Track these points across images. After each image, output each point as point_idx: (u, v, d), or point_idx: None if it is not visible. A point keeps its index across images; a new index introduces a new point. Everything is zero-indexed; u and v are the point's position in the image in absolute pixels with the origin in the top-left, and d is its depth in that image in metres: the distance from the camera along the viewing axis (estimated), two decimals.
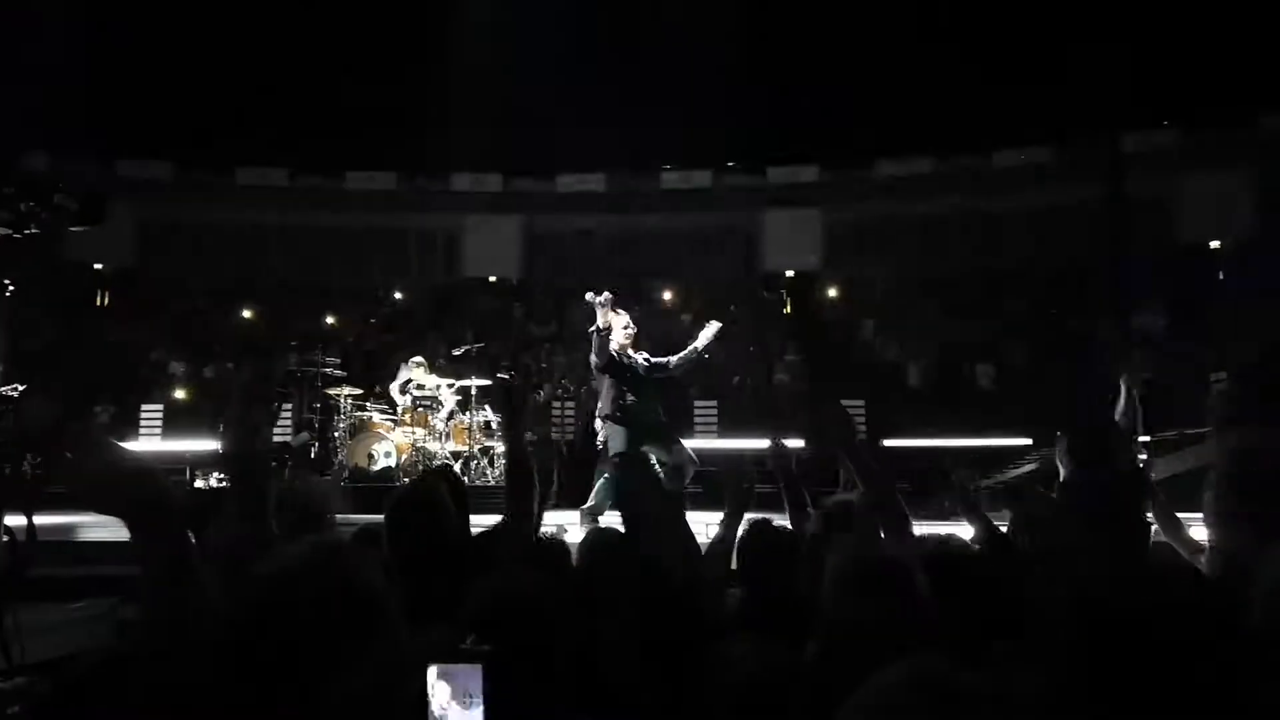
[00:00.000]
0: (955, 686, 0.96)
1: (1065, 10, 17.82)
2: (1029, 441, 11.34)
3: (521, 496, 2.93)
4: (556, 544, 3.01)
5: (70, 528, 6.93)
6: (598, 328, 7.15)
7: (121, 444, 1.44)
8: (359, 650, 1.13)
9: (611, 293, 7.40)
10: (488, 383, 10.50)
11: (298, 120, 22.11)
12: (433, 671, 1.17)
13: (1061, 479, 3.48)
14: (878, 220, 23.98)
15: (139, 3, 20.14)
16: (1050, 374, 15.66)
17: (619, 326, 7.33)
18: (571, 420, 11.90)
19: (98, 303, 21.50)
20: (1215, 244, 20.30)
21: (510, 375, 12.84)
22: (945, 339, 18.73)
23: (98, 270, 22.30)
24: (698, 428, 12.68)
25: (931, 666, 0.99)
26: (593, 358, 7.30)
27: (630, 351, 7.38)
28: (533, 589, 1.98)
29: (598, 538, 2.96)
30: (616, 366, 7.23)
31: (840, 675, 1.68)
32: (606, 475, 7.25)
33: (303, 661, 1.10)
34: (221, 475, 10.04)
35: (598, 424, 7.50)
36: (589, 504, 7.22)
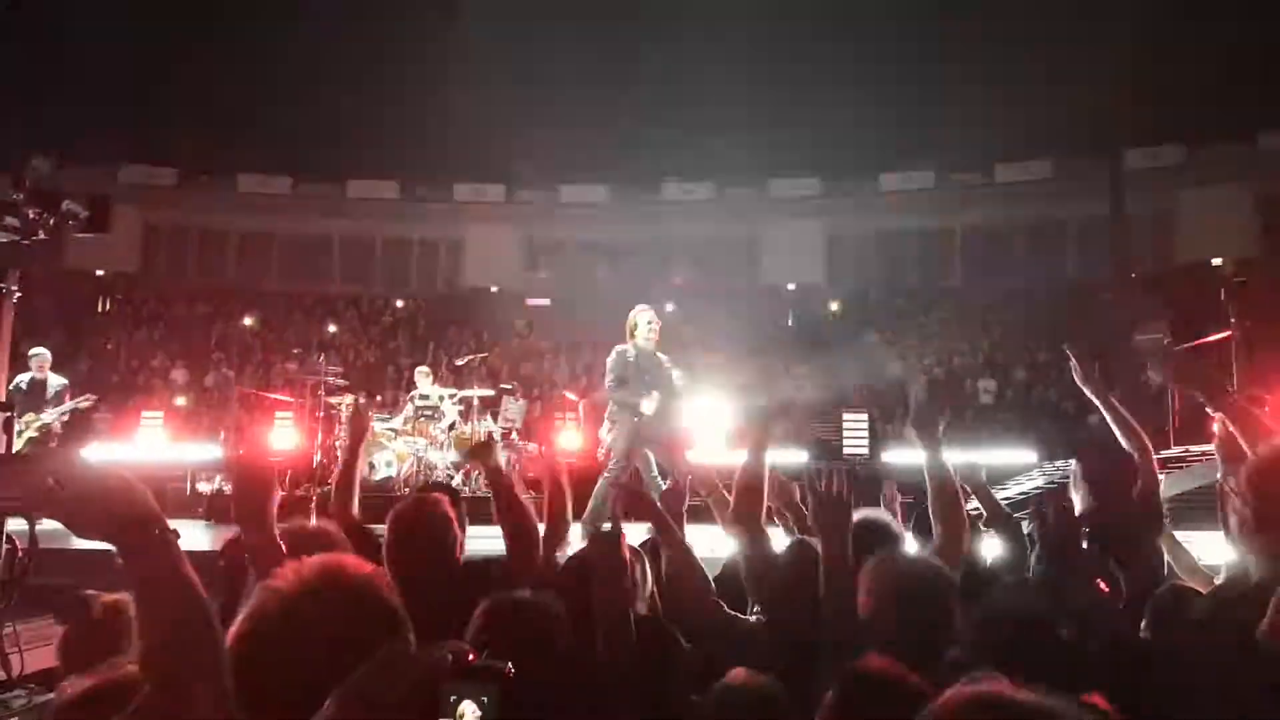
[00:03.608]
0: (1019, 706, 0.98)
1: (1068, 29, 17.88)
2: (1033, 457, 11.28)
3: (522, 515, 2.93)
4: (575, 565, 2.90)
5: (69, 534, 6.90)
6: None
7: (93, 460, 1.35)
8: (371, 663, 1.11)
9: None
10: (489, 393, 10.47)
11: (300, 128, 22.17)
12: (448, 688, 1.15)
13: (1077, 510, 3.45)
14: (880, 234, 24.05)
15: (144, 12, 20.18)
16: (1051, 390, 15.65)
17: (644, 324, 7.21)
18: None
19: (100, 309, 21.49)
20: (1217, 261, 20.31)
21: (512, 388, 12.78)
22: (947, 353, 18.73)
23: (100, 276, 22.32)
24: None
25: (996, 687, 1.00)
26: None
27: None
28: (544, 612, 1.98)
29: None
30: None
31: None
32: (599, 484, 7.12)
33: (315, 677, 1.09)
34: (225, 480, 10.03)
35: (603, 432, 7.40)
36: (588, 514, 7.14)
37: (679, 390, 7.24)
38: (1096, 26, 17.76)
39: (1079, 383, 3.50)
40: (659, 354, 7.22)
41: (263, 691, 1.14)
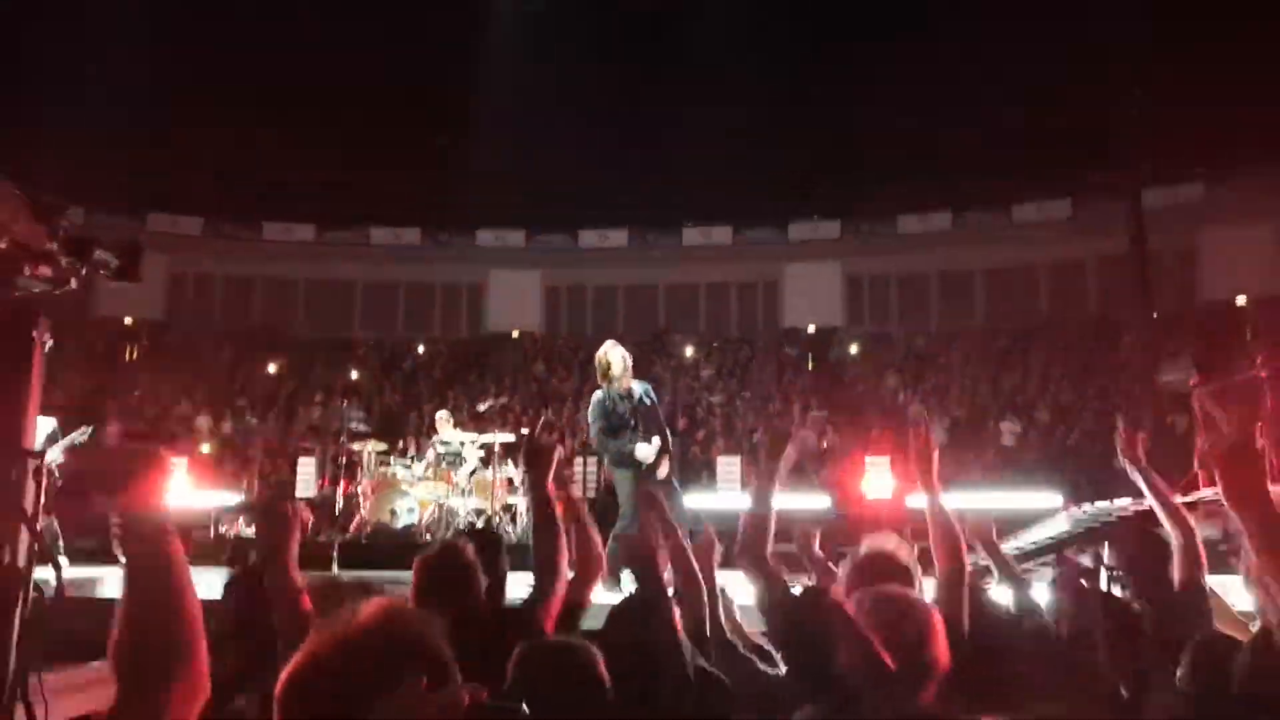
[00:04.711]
0: None
1: (1087, 64, 17.92)
2: (1059, 499, 11.13)
3: (551, 560, 2.83)
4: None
5: (94, 581, 6.93)
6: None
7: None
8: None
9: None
10: (510, 439, 10.45)
11: (323, 177, 22.52)
12: None
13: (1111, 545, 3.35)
14: (899, 275, 24.07)
15: (171, 59, 20.65)
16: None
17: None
18: (594, 476, 11.81)
19: (126, 356, 21.73)
20: (1241, 299, 20.13)
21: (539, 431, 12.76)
22: (968, 395, 18.62)
23: (126, 324, 22.60)
24: (721, 483, 12.57)
25: None
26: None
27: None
28: (584, 659, 1.97)
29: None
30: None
31: None
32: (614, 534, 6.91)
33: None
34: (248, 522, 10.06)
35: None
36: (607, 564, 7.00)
37: (658, 420, 6.95)
38: (1115, 61, 17.81)
39: (1121, 453, 3.30)
40: (635, 388, 6.84)
41: None
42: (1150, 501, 3.21)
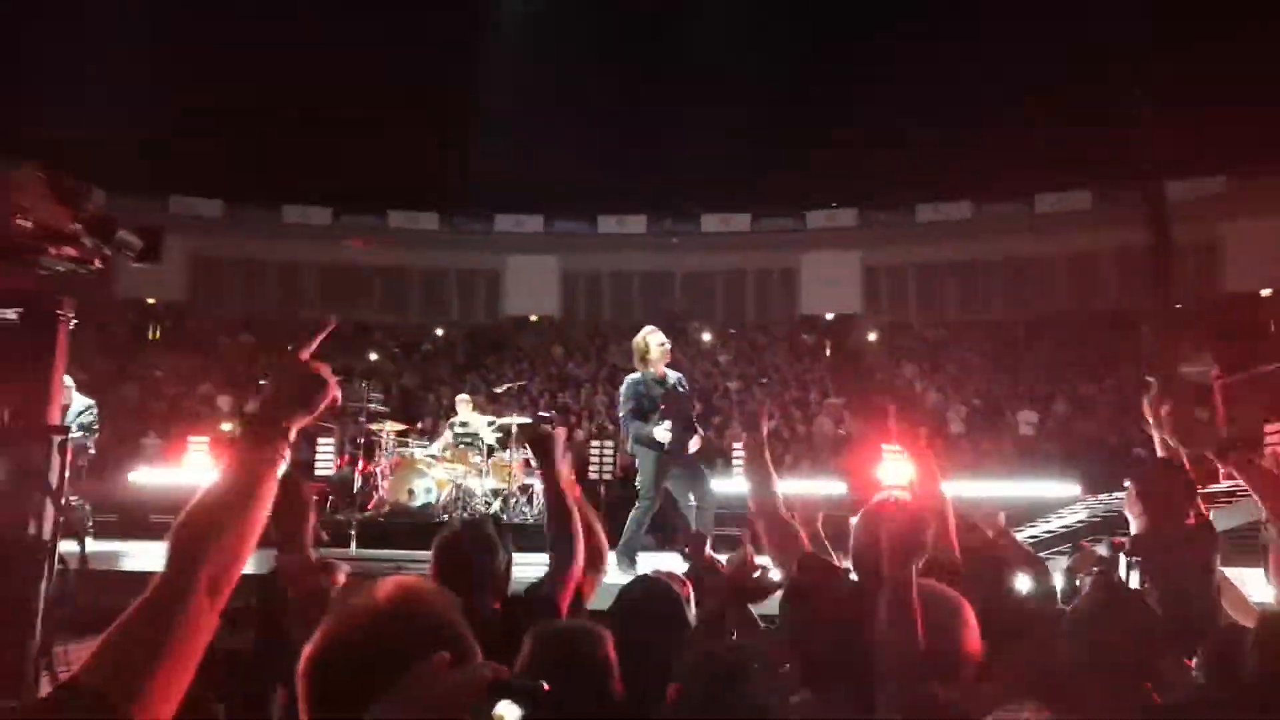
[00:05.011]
0: None
1: (1112, 59, 17.76)
2: (1077, 489, 11.10)
3: (564, 544, 2.85)
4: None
5: (118, 555, 7.03)
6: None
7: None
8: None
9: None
10: (528, 421, 10.50)
11: (343, 161, 22.59)
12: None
13: (1132, 531, 3.33)
14: (917, 264, 23.95)
15: (192, 42, 20.74)
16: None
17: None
18: (610, 460, 11.84)
19: (149, 337, 21.94)
20: (1265, 291, 19.93)
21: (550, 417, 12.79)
22: (985, 385, 18.53)
23: (148, 305, 22.81)
24: (737, 468, 12.58)
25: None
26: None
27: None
28: (597, 642, 2.00)
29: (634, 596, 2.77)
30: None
31: None
32: (632, 516, 6.99)
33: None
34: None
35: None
36: (622, 544, 7.08)
37: (694, 410, 7.09)
38: (1137, 55, 17.63)
39: (1147, 409, 3.46)
40: (670, 374, 7.00)
41: (333, 710, 1.16)
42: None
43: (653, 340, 6.89)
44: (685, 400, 6.99)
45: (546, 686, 1.14)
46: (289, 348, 1.55)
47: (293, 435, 1.45)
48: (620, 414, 6.97)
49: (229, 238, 24.04)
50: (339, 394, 1.49)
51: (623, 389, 6.98)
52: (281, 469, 1.42)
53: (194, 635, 1.22)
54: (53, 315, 2.83)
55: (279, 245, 24.45)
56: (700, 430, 7.13)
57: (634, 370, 7.06)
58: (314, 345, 1.63)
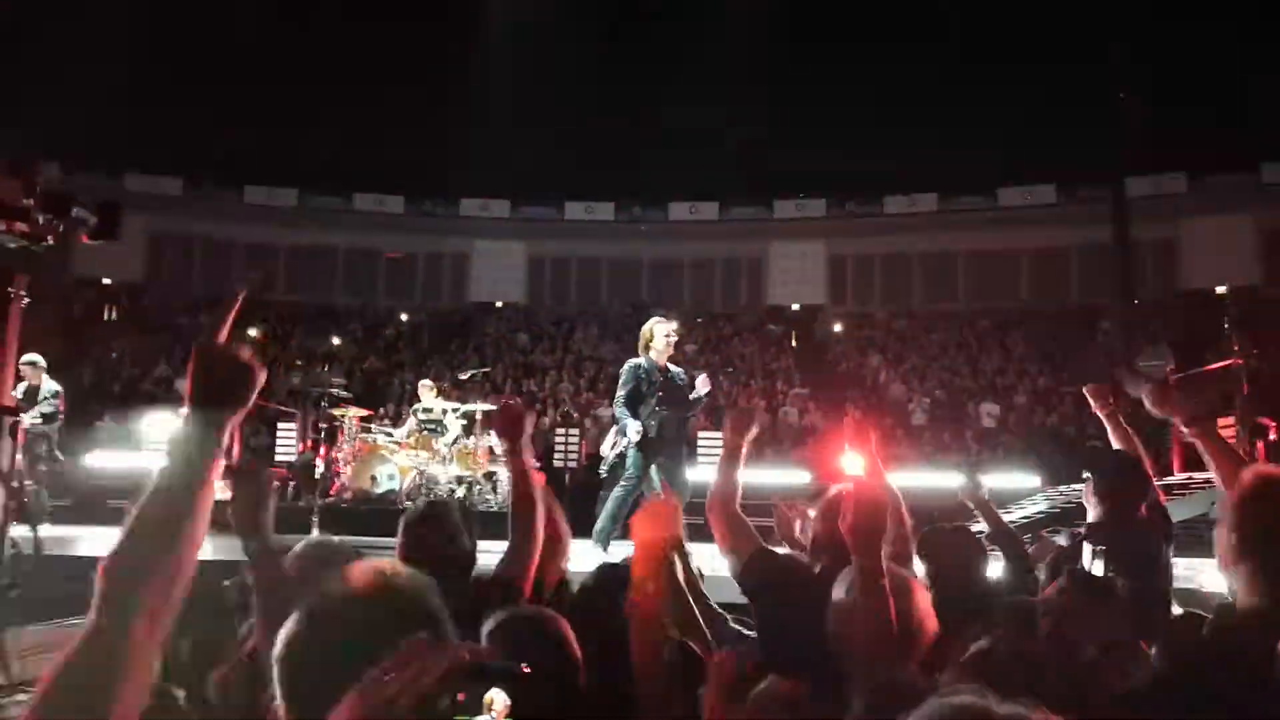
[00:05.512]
0: (991, 716, 0.97)
1: (1075, 58, 18.01)
2: (1036, 481, 11.28)
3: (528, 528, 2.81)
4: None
5: (73, 540, 6.90)
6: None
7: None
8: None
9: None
10: (492, 408, 10.45)
11: (307, 141, 22.29)
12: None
13: (1090, 519, 3.38)
14: (883, 256, 24.11)
15: (154, 20, 20.30)
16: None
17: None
18: (575, 447, 11.82)
19: (104, 317, 21.55)
20: (1221, 289, 20.34)
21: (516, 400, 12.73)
22: (948, 377, 18.73)
23: (105, 285, 22.38)
24: (701, 459, 12.60)
25: (970, 699, 1.00)
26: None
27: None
28: (558, 629, 2.00)
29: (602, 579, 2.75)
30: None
31: None
32: (613, 495, 7.02)
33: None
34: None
35: (605, 448, 7.32)
36: (599, 528, 7.07)
37: (694, 403, 7.11)
38: (1103, 53, 17.87)
39: (1095, 404, 3.66)
40: (672, 367, 7.06)
41: (311, 694, 1.14)
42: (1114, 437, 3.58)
43: (659, 330, 6.99)
44: (683, 393, 7.03)
45: (526, 668, 1.13)
46: (201, 334, 1.44)
47: (225, 439, 1.34)
48: (618, 394, 6.99)
49: (189, 218, 23.62)
50: (264, 374, 1.38)
51: (624, 370, 7.04)
52: (219, 473, 1.32)
53: (136, 674, 1.16)
54: (4, 293, 2.76)
55: (241, 226, 24.06)
56: (689, 425, 7.25)
57: (625, 360, 7.16)
58: (228, 323, 1.54)
